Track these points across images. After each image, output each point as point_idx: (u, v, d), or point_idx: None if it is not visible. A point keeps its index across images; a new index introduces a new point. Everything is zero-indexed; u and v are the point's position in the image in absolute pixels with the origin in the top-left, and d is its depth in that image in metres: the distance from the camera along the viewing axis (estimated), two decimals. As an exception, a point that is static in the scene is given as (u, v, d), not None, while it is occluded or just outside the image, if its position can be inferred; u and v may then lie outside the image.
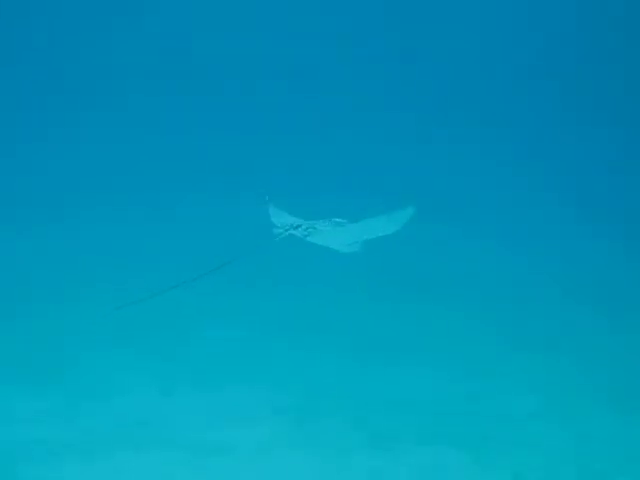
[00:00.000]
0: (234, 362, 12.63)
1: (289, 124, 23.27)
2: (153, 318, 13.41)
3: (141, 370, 12.10)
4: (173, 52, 26.18)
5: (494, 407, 11.52)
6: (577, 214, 19.77)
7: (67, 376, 11.76)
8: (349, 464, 9.76)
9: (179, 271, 10.60)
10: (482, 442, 10.43)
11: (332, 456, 9.96)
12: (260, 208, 11.62)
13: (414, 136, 23.82)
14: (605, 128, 24.65)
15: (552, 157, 23.41)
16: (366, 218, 10.23)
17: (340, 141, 22.98)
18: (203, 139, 22.47)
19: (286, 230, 10.82)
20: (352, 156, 21.81)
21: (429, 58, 26.93)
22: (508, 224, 19.84)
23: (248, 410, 11.14)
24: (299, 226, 10.83)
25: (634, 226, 19.33)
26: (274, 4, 26.97)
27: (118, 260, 15.88)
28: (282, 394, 11.60)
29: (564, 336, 13.73)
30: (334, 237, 10.69)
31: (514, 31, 27.03)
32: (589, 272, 16.48)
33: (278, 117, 23.50)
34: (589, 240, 18.29)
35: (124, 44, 25.80)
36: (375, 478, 9.51)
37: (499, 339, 13.76)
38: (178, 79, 25.18)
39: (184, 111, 23.98)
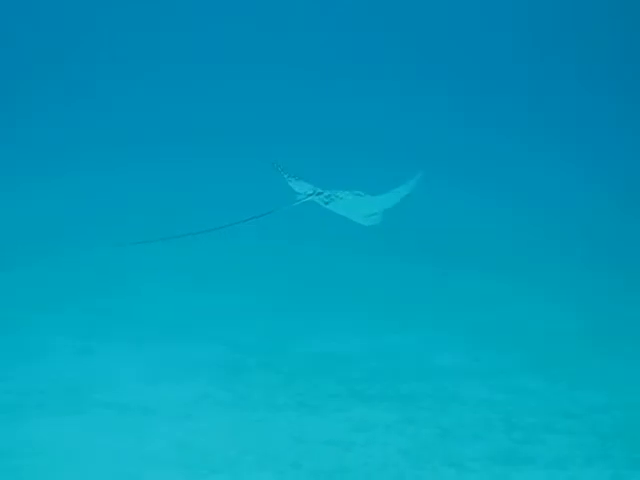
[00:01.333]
0: (161, 319, 12.50)
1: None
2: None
3: (63, 327, 11.93)
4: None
5: (422, 363, 11.51)
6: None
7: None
8: (276, 423, 9.64)
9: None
10: (410, 399, 10.38)
11: (259, 415, 9.84)
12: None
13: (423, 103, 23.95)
14: (605, 84, 24.88)
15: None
16: (384, 192, 10.29)
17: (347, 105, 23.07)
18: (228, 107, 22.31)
19: (308, 195, 10.71)
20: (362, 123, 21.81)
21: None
22: (517, 183, 20.14)
23: (173, 368, 10.99)
24: (321, 193, 10.71)
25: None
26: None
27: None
28: (209, 351, 11.48)
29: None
30: (354, 207, 10.61)
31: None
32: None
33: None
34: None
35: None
36: (302, 437, 9.40)
37: (427, 292, 13.83)
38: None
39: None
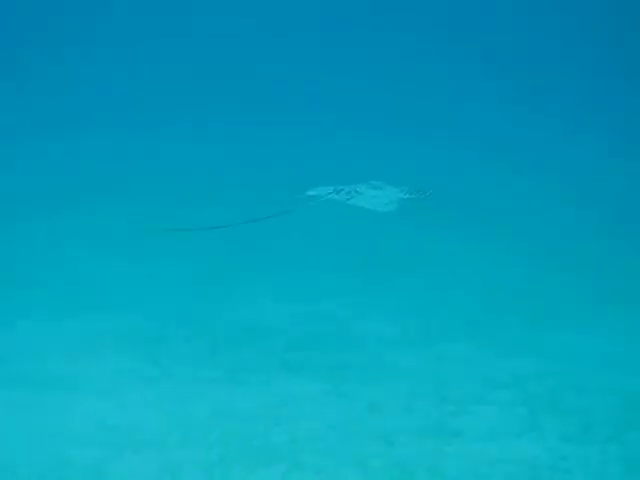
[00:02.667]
0: (79, 291, 12.20)
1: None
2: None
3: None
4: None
5: (348, 332, 11.34)
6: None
7: None
8: (202, 398, 9.42)
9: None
10: (337, 370, 10.21)
11: (184, 390, 9.61)
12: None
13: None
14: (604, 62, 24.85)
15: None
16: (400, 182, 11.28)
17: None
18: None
19: (328, 194, 11.36)
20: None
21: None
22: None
23: (93, 342, 10.71)
24: (341, 190, 11.29)
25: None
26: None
27: None
28: (130, 324, 11.21)
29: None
30: (373, 199, 11.19)
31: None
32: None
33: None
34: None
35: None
36: (229, 411, 9.19)
37: (351, 257, 13.65)
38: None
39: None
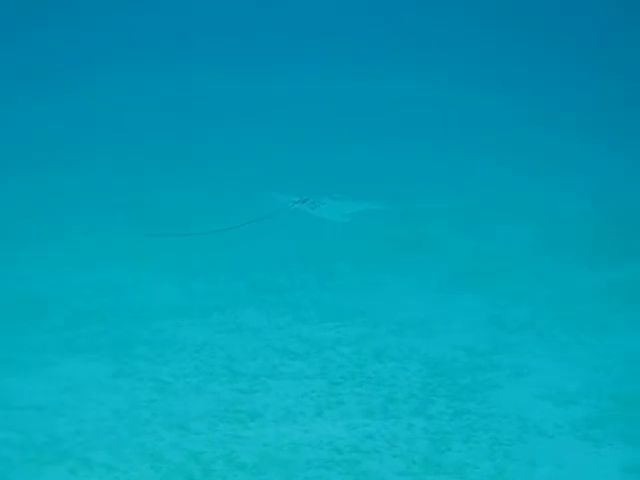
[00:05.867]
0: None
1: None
2: None
3: None
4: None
5: (133, 302, 10.71)
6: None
7: None
8: None
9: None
10: (123, 347, 9.57)
11: None
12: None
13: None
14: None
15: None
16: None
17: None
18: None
19: (294, 203, 11.82)
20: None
21: None
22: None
23: None
24: (307, 199, 11.81)
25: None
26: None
27: None
28: None
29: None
30: (334, 210, 11.70)
31: None
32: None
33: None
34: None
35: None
36: (7, 402, 8.44)
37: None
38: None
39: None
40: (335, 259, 12.10)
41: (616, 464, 7.29)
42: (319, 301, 10.81)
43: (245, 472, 7.32)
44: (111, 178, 15.62)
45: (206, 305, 10.71)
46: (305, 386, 8.72)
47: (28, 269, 11.63)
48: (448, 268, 11.85)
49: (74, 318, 10.27)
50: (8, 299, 10.68)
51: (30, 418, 8.18)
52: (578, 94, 21.92)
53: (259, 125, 19.47)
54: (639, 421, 8.00)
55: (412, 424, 7.98)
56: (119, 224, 13.31)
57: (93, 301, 10.72)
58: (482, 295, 11.00)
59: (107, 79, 23.01)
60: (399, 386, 8.70)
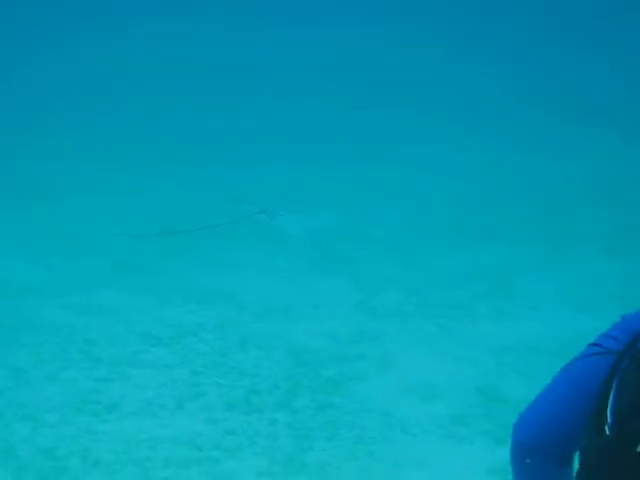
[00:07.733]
0: None
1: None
2: None
3: None
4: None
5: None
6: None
7: None
8: None
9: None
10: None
11: None
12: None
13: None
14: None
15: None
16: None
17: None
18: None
19: (256, 213, 12.21)
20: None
21: None
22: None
23: None
24: (265, 210, 12.25)
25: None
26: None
27: None
28: None
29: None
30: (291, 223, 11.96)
31: None
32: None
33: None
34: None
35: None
36: None
37: None
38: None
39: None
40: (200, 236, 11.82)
41: (482, 465, 7.15)
42: (183, 282, 10.51)
43: (100, 470, 7.01)
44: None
45: (65, 281, 10.33)
46: (165, 375, 8.43)
47: None
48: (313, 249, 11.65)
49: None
50: None
51: None
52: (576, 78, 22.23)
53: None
54: (505, 418, 7.93)
55: (275, 419, 7.75)
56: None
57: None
58: (348, 278, 10.82)
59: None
60: (262, 376, 8.47)
